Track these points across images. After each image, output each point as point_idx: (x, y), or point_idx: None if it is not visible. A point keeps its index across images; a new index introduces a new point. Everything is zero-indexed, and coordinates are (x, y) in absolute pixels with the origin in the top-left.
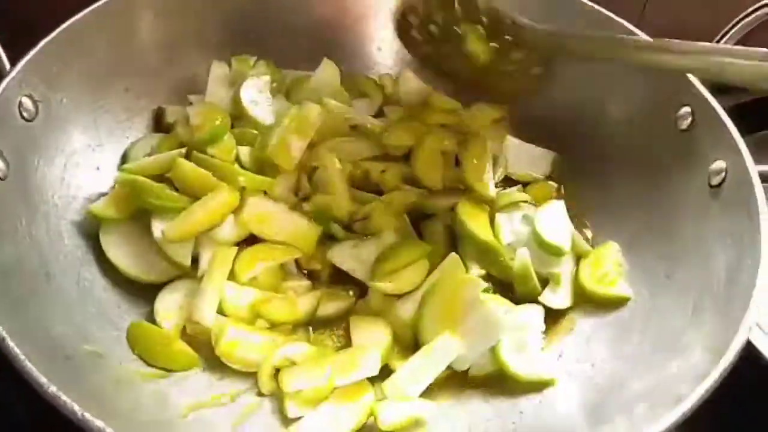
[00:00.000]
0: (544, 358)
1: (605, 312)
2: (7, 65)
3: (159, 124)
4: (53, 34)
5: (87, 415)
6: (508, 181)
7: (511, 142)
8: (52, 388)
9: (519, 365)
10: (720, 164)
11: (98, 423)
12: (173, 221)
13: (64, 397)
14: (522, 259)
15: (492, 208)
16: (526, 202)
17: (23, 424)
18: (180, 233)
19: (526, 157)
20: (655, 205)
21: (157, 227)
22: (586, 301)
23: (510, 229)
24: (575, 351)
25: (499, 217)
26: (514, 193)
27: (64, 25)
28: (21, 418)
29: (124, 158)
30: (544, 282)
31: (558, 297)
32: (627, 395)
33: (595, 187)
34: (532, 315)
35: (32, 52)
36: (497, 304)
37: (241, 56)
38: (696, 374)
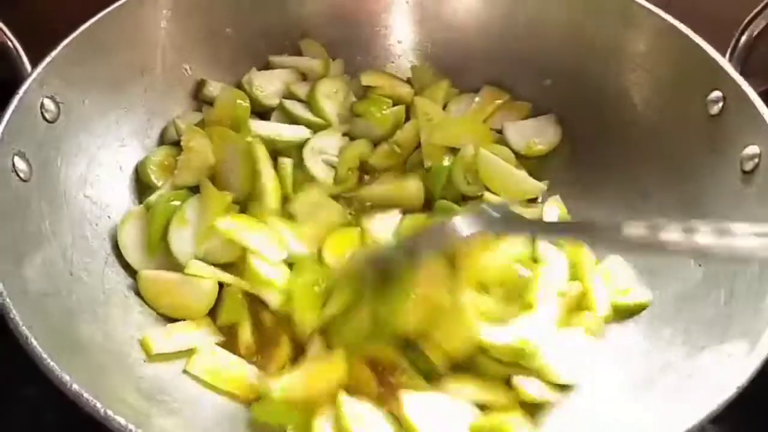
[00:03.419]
0: None
1: None
2: (29, 67)
3: (198, 93)
4: (73, 36)
5: (110, 413)
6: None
7: (506, 126)
8: (75, 386)
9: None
10: (753, 149)
11: (120, 420)
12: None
13: (86, 395)
14: None
15: None
16: None
17: (51, 427)
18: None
19: (529, 133)
20: (685, 193)
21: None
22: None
23: None
24: (606, 348)
25: None
26: None
27: (83, 27)
28: (49, 421)
29: (163, 137)
30: None
31: None
32: (661, 388)
33: (621, 176)
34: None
35: (52, 54)
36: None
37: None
38: (731, 364)
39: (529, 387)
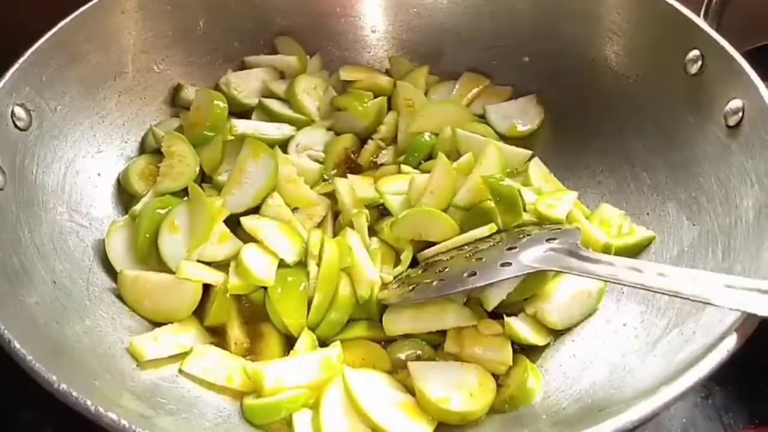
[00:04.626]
0: None
1: None
2: None
3: (175, 98)
4: (41, 41)
5: (100, 409)
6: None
7: (487, 109)
8: (63, 386)
9: None
10: (736, 103)
11: (112, 416)
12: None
13: (75, 393)
14: None
15: None
16: None
17: None
18: None
19: (511, 114)
20: (672, 154)
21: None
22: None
23: None
24: (605, 312)
25: None
26: None
27: (51, 32)
28: None
29: (143, 146)
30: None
31: None
32: (664, 345)
33: (605, 143)
34: None
35: (20, 61)
36: None
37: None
38: (732, 317)
39: (521, 328)
